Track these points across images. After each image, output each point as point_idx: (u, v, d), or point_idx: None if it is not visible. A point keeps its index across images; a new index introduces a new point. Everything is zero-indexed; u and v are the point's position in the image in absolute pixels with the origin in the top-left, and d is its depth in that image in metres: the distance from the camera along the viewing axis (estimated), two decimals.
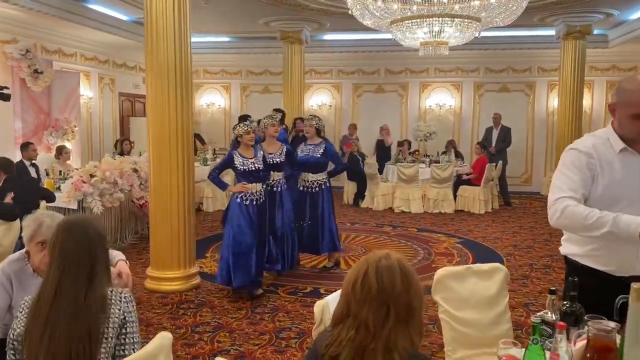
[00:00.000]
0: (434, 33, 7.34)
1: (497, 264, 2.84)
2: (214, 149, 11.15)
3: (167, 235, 5.23)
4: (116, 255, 2.85)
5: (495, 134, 10.85)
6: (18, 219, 4.37)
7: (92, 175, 6.51)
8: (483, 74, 12.60)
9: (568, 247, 2.50)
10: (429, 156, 10.98)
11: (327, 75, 13.26)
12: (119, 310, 1.96)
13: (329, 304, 2.26)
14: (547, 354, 1.78)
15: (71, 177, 6.57)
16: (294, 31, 10.36)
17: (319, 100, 13.29)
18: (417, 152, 11.27)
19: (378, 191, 10.11)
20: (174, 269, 5.25)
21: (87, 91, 10.77)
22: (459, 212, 9.73)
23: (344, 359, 1.40)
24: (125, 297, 2.00)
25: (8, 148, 7.98)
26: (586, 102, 12.16)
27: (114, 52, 11.42)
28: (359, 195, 10.56)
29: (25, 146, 7.11)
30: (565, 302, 1.96)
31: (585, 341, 1.80)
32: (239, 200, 5.05)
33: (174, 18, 5.05)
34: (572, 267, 2.45)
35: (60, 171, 6.90)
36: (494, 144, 10.71)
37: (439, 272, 2.71)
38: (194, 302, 5.01)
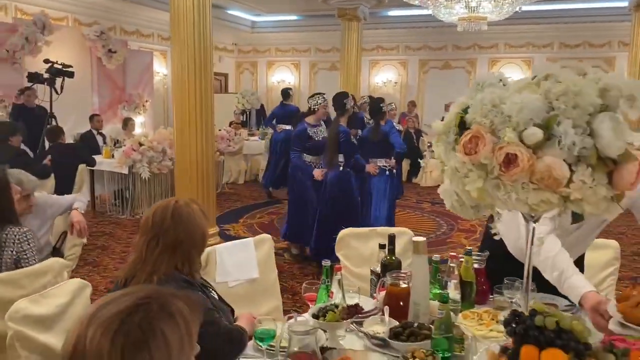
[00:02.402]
0: (471, 8, 7.25)
1: (405, 228, 3.02)
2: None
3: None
4: (72, 200, 3.05)
5: None
6: (52, 177, 5.15)
7: (140, 144, 7.28)
8: (557, 49, 11.98)
9: None
10: None
11: (393, 52, 13.28)
12: (12, 251, 2.25)
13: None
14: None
15: (124, 145, 7.39)
16: (351, 8, 10.52)
17: (384, 77, 13.37)
18: None
19: (428, 168, 10.12)
20: None
21: (162, 69, 11.73)
22: None
23: (120, 280, 1.78)
24: (19, 238, 2.29)
25: (87, 119, 9.03)
26: None
27: None
28: (412, 172, 10.63)
29: (91, 117, 8.07)
30: (386, 255, 2.17)
31: None
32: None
33: None
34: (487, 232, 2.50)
35: (117, 140, 7.75)
36: None
37: (342, 232, 2.97)
38: None
